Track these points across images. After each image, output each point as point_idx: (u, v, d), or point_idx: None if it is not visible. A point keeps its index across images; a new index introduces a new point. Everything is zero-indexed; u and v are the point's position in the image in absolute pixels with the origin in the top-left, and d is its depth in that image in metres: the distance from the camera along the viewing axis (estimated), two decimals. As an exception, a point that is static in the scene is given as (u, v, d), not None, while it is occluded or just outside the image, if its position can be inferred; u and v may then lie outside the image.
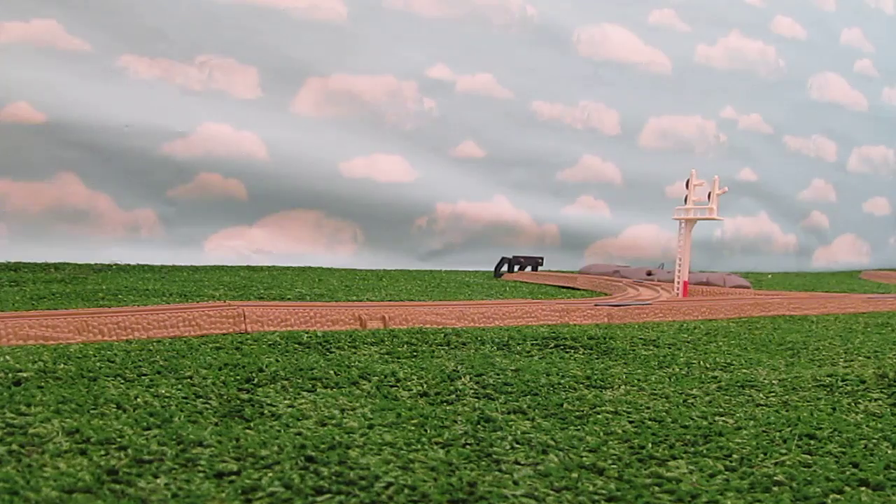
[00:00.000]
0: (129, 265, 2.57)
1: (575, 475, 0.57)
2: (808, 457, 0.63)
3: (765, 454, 0.63)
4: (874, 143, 4.91)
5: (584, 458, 0.61)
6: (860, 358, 1.17)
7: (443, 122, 3.26)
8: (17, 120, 2.51)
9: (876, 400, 0.86)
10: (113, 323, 1.10)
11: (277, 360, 0.93)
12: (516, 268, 2.93)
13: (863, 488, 0.57)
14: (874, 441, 0.68)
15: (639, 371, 0.99)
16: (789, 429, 0.71)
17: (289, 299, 1.64)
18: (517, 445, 0.64)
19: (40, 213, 2.59)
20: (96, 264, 2.51)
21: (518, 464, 0.59)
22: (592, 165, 3.65)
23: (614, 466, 0.59)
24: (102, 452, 0.58)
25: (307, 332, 1.14)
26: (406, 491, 0.52)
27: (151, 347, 1.01)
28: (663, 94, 3.88)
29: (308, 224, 2.98)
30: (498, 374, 0.90)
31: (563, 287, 2.51)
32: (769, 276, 3.70)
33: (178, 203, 2.79)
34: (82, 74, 2.62)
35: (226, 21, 2.84)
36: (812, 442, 0.67)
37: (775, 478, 0.58)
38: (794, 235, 4.51)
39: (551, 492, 0.54)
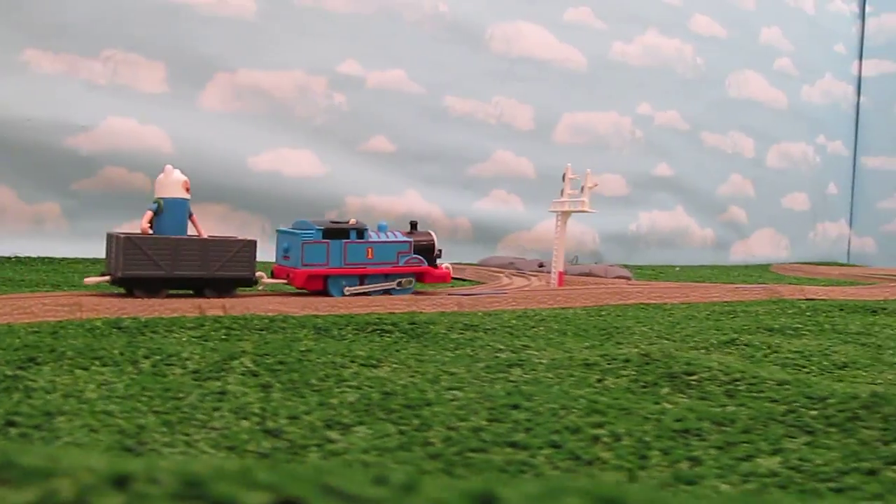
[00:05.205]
0: (29, 257, 2.59)
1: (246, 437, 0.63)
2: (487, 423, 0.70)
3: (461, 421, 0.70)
4: (793, 139, 5.05)
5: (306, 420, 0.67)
6: (663, 341, 1.26)
7: (353, 117, 3.30)
8: (-84, 113, 2.52)
9: (625, 376, 0.93)
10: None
11: (73, 342, 0.98)
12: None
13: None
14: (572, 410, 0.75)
15: (430, 352, 1.06)
16: (491, 401, 0.78)
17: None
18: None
19: (-60, 206, 2.60)
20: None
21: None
22: (506, 160, 3.73)
23: (298, 433, 0.66)
24: None
25: (132, 318, 1.19)
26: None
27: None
28: (578, 91, 3.95)
29: (214, 217, 3.01)
30: (284, 355, 0.95)
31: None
32: (677, 268, 3.80)
33: (82, 196, 2.81)
34: (-17, 68, 2.63)
35: (132, 16, 2.86)
36: (515, 411, 0.74)
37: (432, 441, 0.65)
38: (712, 230, 4.63)
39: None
